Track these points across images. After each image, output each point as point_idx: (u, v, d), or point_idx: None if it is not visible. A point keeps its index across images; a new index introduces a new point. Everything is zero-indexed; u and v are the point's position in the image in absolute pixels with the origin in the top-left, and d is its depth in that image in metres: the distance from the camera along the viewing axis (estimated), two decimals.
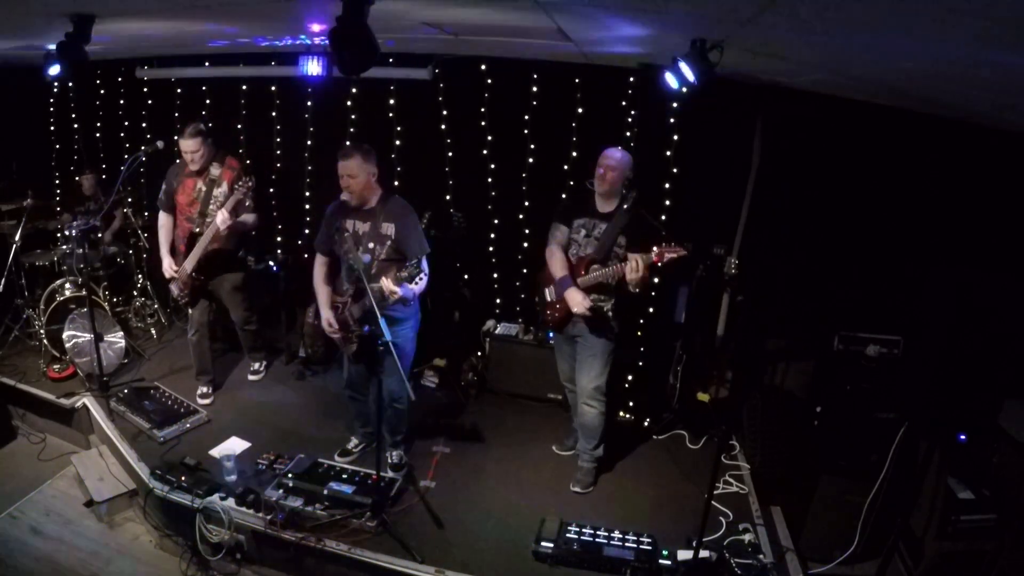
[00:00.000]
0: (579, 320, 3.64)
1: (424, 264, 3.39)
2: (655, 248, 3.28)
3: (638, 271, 3.27)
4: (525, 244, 4.95)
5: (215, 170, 4.21)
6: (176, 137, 5.52)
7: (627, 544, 3.29)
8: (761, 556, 3.35)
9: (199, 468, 3.76)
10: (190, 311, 4.49)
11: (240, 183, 4.06)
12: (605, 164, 3.50)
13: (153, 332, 5.53)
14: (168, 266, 4.24)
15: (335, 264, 3.73)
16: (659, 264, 3.29)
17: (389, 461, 3.86)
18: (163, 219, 4.37)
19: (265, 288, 5.30)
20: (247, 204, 4.21)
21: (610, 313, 3.61)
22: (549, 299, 3.73)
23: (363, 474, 3.67)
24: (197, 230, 4.18)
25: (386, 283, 3.25)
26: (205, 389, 4.63)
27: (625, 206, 3.50)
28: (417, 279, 3.20)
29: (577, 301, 3.50)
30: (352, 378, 3.87)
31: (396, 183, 5.10)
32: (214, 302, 4.54)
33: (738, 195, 4.42)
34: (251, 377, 4.96)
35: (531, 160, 4.79)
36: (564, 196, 3.83)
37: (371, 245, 3.50)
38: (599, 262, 3.54)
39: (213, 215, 4.09)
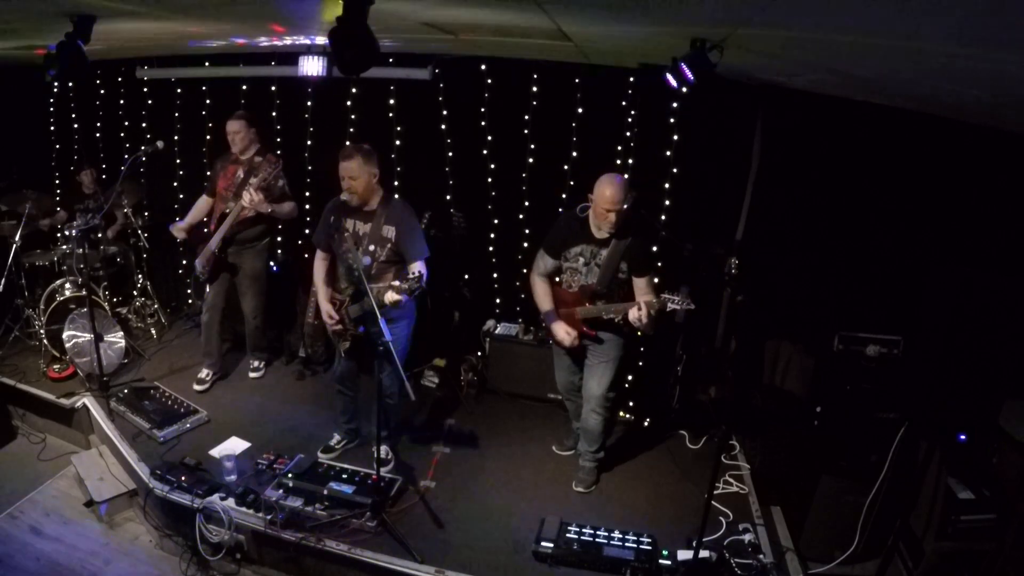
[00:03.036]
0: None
1: (424, 267, 3.40)
2: (665, 295, 3.23)
3: (642, 320, 3.28)
4: (525, 244, 4.94)
5: (256, 161, 4.42)
6: (178, 136, 5.62)
7: (627, 544, 3.30)
8: (761, 556, 3.35)
9: (199, 468, 3.76)
10: (207, 289, 4.65)
11: (270, 165, 4.29)
12: (615, 209, 3.25)
13: (153, 332, 5.53)
14: (181, 227, 4.52)
15: (335, 261, 3.74)
16: (662, 312, 3.29)
17: (375, 455, 3.85)
18: (201, 201, 4.60)
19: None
20: (279, 185, 4.38)
21: (620, 322, 3.60)
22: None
23: (363, 474, 3.67)
24: (228, 210, 4.33)
25: (390, 296, 3.26)
26: (205, 373, 4.75)
27: (626, 205, 3.45)
28: (417, 292, 3.21)
29: (561, 336, 3.56)
30: (344, 373, 3.91)
31: (396, 183, 5.10)
32: (233, 280, 4.64)
33: (738, 195, 4.42)
34: (252, 375, 4.99)
35: (531, 160, 4.79)
36: (555, 224, 3.64)
37: (372, 247, 3.50)
38: (603, 295, 3.52)
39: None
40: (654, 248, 3.46)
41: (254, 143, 4.46)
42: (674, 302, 3.21)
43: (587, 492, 3.86)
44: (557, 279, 3.79)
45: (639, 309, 3.29)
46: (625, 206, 3.32)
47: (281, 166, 4.35)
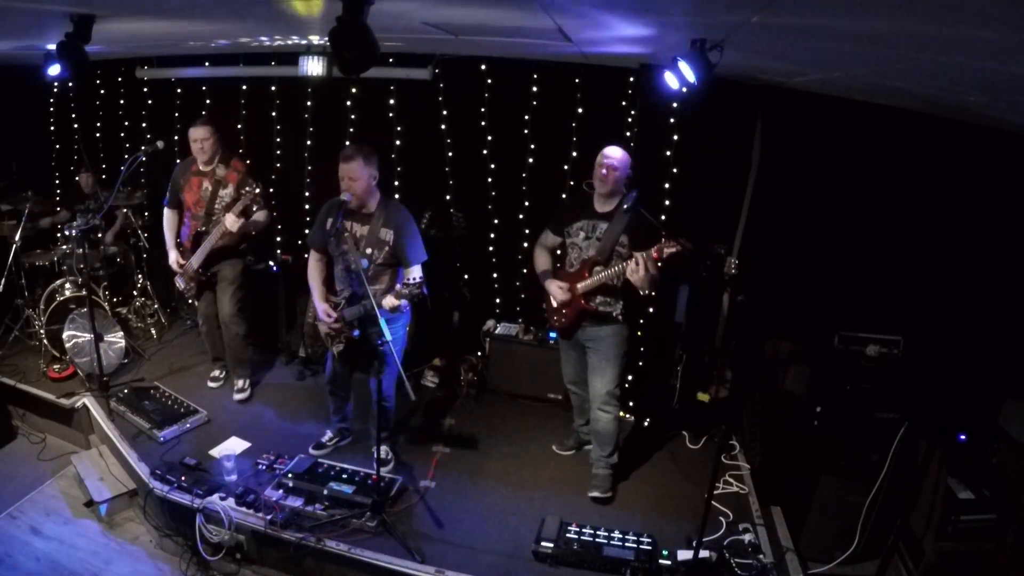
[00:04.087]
0: (588, 326, 3.63)
1: (421, 272, 3.40)
2: (663, 241, 3.27)
3: (639, 271, 3.26)
4: (525, 244, 4.94)
5: (220, 171, 4.27)
6: (178, 136, 5.61)
7: (627, 544, 3.29)
8: (761, 556, 3.36)
9: (199, 468, 3.76)
10: (197, 303, 4.65)
11: (246, 189, 4.17)
12: (607, 164, 3.46)
13: (153, 332, 5.53)
14: (174, 260, 4.36)
15: (330, 261, 3.73)
16: (659, 260, 3.27)
17: (375, 455, 3.85)
18: (168, 215, 4.47)
19: (265, 288, 5.31)
20: (254, 209, 4.28)
21: (620, 317, 3.60)
22: (555, 305, 3.72)
23: (363, 474, 3.67)
24: (203, 229, 4.25)
25: (390, 300, 3.27)
26: (217, 373, 4.82)
27: (626, 205, 3.47)
28: (417, 299, 3.21)
29: (554, 291, 3.64)
30: (337, 375, 3.92)
31: (396, 183, 5.10)
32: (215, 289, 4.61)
33: (738, 195, 4.42)
34: (236, 396, 4.64)
35: (531, 160, 4.79)
36: (563, 199, 3.79)
37: (369, 250, 3.50)
38: (601, 263, 3.52)
39: (219, 215, 4.19)
40: (653, 223, 3.47)
41: (219, 151, 4.27)
42: (671, 244, 3.21)
43: (605, 497, 3.77)
44: (559, 264, 3.82)
45: (636, 263, 3.26)
46: (623, 170, 3.46)
47: (260, 191, 4.19)
